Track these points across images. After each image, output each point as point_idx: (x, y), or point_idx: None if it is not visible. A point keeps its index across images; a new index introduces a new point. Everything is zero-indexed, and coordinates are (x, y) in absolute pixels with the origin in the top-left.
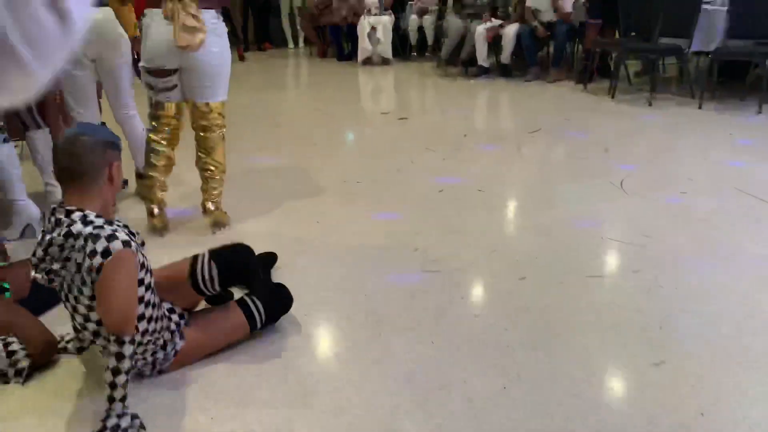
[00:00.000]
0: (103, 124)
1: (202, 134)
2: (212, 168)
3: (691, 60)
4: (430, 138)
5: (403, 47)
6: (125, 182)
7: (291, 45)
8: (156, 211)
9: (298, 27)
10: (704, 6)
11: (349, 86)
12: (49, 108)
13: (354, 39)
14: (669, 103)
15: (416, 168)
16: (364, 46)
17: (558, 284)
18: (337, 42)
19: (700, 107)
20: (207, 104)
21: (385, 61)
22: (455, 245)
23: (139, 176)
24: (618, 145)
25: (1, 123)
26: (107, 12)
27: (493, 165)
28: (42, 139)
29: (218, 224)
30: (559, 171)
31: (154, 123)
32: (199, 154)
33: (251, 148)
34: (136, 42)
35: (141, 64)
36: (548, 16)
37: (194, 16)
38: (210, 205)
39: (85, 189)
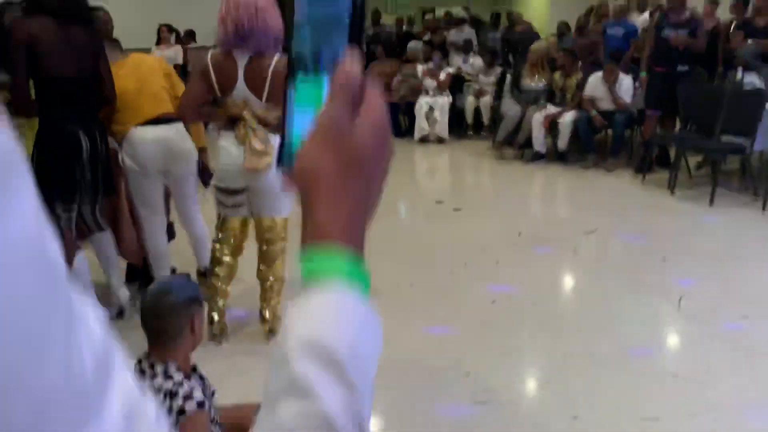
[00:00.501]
0: (170, 225)
1: (265, 247)
2: (272, 279)
3: (754, 155)
4: (485, 235)
5: (460, 125)
6: (172, 235)
7: None
8: (216, 318)
9: None
10: None
11: (406, 166)
12: (115, 212)
13: (411, 117)
14: (731, 202)
15: (470, 272)
16: (421, 125)
17: (611, 425)
18: (394, 119)
19: (763, 209)
20: (272, 219)
21: (440, 140)
22: (508, 371)
23: (201, 275)
24: (676, 253)
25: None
26: (179, 128)
27: (547, 272)
28: (105, 240)
29: (275, 333)
30: (615, 283)
31: (220, 234)
32: (261, 266)
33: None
34: (203, 153)
35: (213, 182)
36: (606, 104)
37: (263, 141)
38: (267, 314)
39: (169, 344)
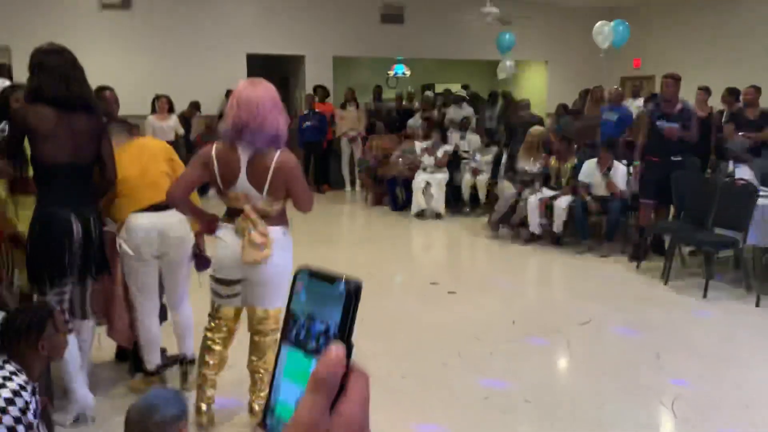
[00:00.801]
0: (163, 306)
1: (256, 338)
2: (262, 371)
3: (746, 248)
4: (479, 321)
5: (456, 200)
6: (164, 316)
7: (348, 188)
8: (204, 407)
9: (357, 173)
10: (761, 200)
11: (402, 243)
12: (109, 298)
13: (409, 190)
14: (725, 295)
15: (463, 363)
16: (418, 201)
17: None
18: (392, 193)
19: (757, 305)
20: (265, 311)
21: (437, 216)
22: None
23: (178, 362)
24: (670, 349)
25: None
26: (176, 214)
27: (541, 366)
28: (86, 329)
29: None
30: (610, 381)
31: (213, 323)
32: (252, 357)
33: None
34: (199, 237)
35: (209, 272)
36: (600, 190)
37: (262, 234)
38: (256, 407)
39: None
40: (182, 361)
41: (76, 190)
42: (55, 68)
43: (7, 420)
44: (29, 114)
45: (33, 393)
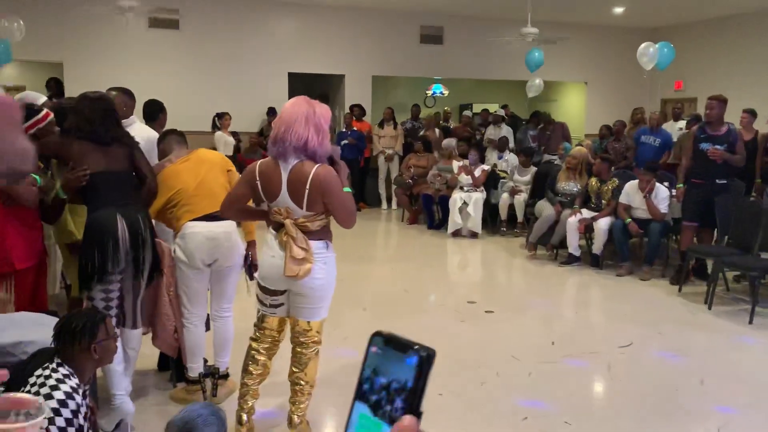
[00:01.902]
0: (207, 316)
1: (298, 350)
2: (303, 383)
3: None
4: (517, 342)
5: (493, 220)
6: (208, 326)
7: (384, 206)
8: (244, 418)
9: (393, 191)
10: None
11: (438, 262)
12: (155, 306)
13: (445, 209)
14: None
15: (501, 382)
16: (455, 220)
17: None
18: (428, 211)
19: None
20: (308, 323)
21: (473, 235)
22: None
23: (215, 376)
24: (715, 375)
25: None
26: (230, 224)
27: (581, 388)
28: (135, 337)
29: None
30: (651, 404)
31: (257, 333)
32: (293, 368)
33: (336, 338)
34: (252, 246)
35: (256, 275)
36: (641, 213)
37: (303, 248)
38: (296, 419)
39: None
40: (214, 374)
41: (117, 194)
42: (87, 114)
43: (60, 422)
44: (65, 146)
45: (84, 396)
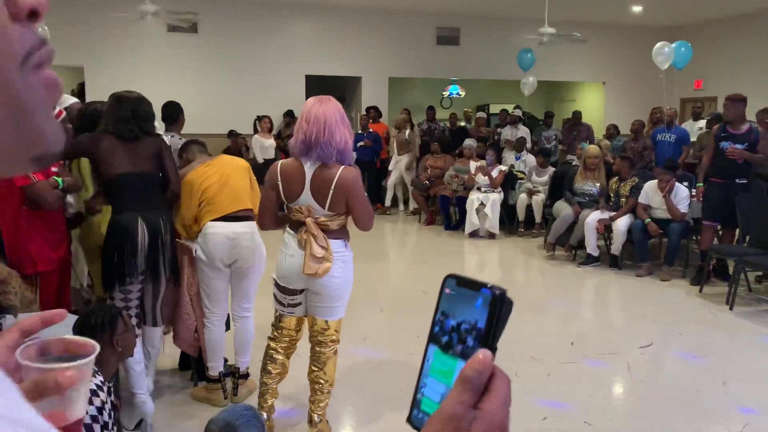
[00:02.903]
0: (228, 316)
1: (317, 348)
2: (322, 382)
3: None
4: (536, 342)
5: (511, 220)
6: (228, 326)
7: (401, 207)
8: (264, 416)
9: (410, 193)
10: None
11: (455, 262)
12: (175, 306)
13: (462, 210)
14: None
15: (520, 382)
16: (472, 221)
17: None
18: (445, 212)
19: None
20: (326, 322)
21: (491, 236)
22: None
23: (237, 376)
24: (737, 376)
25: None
26: (251, 225)
27: (601, 388)
28: (155, 336)
29: None
30: (672, 405)
31: (275, 332)
32: (312, 367)
33: (354, 338)
34: None
35: (273, 275)
36: (661, 213)
37: (323, 247)
38: (315, 417)
39: None
40: (234, 374)
41: (141, 196)
42: (114, 112)
43: (86, 418)
44: (92, 143)
45: (109, 393)
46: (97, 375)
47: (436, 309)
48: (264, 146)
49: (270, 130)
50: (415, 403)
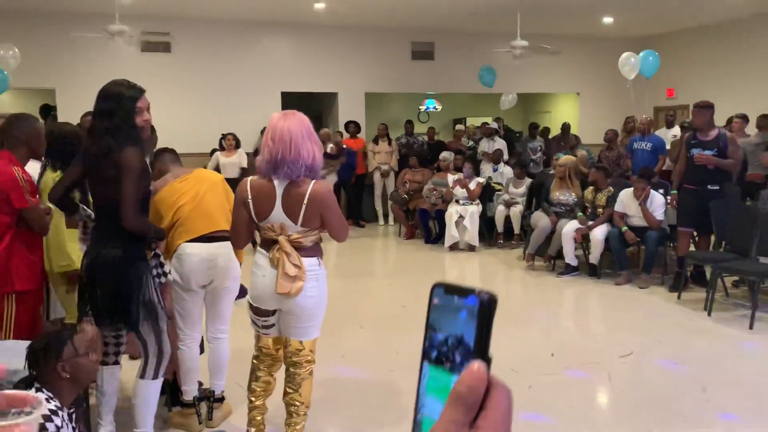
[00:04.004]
0: (202, 339)
1: (292, 370)
2: (298, 404)
3: None
4: (516, 355)
5: (490, 232)
6: (202, 349)
7: (381, 222)
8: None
9: (389, 207)
10: None
11: (436, 275)
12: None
13: (442, 223)
14: None
15: None
16: (452, 233)
17: None
18: (425, 225)
19: None
20: (300, 342)
21: (470, 248)
22: None
23: (205, 398)
24: (716, 383)
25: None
26: (227, 246)
27: (582, 400)
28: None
29: None
30: (654, 414)
31: (256, 352)
32: (287, 389)
33: (334, 356)
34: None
35: (247, 298)
36: (637, 221)
37: (296, 265)
38: None
39: None
40: (209, 397)
41: (99, 231)
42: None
43: None
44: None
45: (70, 419)
46: (51, 401)
47: (426, 322)
48: (225, 164)
49: (236, 147)
50: (416, 425)
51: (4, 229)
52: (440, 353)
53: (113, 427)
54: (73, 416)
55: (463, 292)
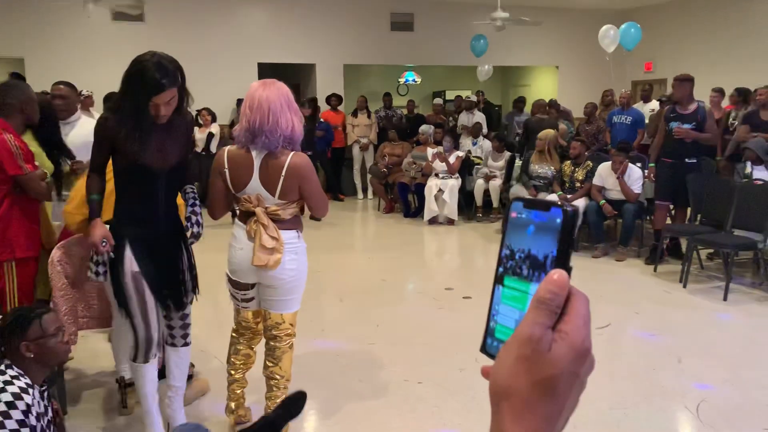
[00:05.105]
0: None
1: (272, 343)
2: (278, 377)
3: (766, 249)
4: None
5: (469, 206)
6: None
7: (361, 196)
8: (233, 407)
9: (368, 181)
10: None
11: (415, 249)
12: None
13: (421, 197)
14: (745, 298)
15: (480, 369)
16: (431, 207)
17: None
18: (404, 199)
19: None
20: (281, 315)
21: (450, 222)
22: None
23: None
24: (692, 354)
25: None
26: None
27: None
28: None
29: None
30: (631, 385)
31: (235, 325)
32: (267, 362)
33: (314, 330)
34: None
35: (226, 270)
36: (615, 194)
37: (273, 237)
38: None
39: None
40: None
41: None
42: None
43: (10, 424)
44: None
45: (42, 397)
46: (21, 377)
47: (503, 235)
48: (199, 138)
49: (212, 122)
50: (489, 332)
51: (1, 196)
52: (517, 266)
53: None
54: (45, 394)
55: (545, 205)
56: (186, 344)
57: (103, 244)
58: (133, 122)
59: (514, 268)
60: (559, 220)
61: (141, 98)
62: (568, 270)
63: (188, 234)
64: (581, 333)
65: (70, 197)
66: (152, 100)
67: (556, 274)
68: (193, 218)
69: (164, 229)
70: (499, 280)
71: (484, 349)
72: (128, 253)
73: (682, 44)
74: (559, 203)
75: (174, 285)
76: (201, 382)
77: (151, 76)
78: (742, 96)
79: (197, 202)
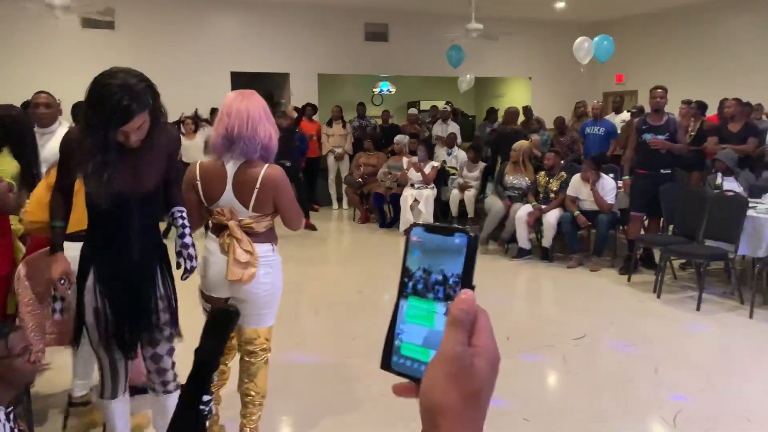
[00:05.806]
0: None
1: (246, 359)
2: (253, 394)
3: (739, 261)
4: None
5: (444, 216)
6: None
7: (336, 206)
8: (207, 423)
9: (344, 191)
10: (750, 212)
11: (391, 260)
12: None
13: (397, 207)
14: (718, 308)
15: None
16: (406, 217)
17: None
18: (380, 210)
19: (750, 316)
20: (255, 330)
21: None
22: None
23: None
24: (667, 364)
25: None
26: None
27: (538, 383)
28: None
29: None
30: (608, 396)
31: None
32: (242, 378)
33: (288, 343)
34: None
35: (198, 285)
36: (589, 204)
37: (247, 251)
38: (248, 431)
39: None
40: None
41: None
42: None
43: None
44: None
45: (8, 419)
46: None
47: (404, 261)
48: (185, 146)
49: (194, 131)
50: (394, 350)
51: None
52: (420, 288)
53: None
54: (11, 416)
55: (449, 231)
56: (167, 392)
57: (62, 282)
58: (100, 156)
59: (419, 289)
60: (463, 243)
61: (106, 127)
62: (472, 288)
63: (181, 271)
64: (492, 345)
65: (30, 199)
66: (120, 129)
67: (465, 294)
68: (185, 252)
69: (138, 259)
70: (402, 300)
71: (387, 366)
72: (90, 284)
73: (653, 56)
74: (462, 228)
75: (142, 322)
76: (140, 417)
77: (116, 102)
78: (701, 109)
79: (188, 230)
